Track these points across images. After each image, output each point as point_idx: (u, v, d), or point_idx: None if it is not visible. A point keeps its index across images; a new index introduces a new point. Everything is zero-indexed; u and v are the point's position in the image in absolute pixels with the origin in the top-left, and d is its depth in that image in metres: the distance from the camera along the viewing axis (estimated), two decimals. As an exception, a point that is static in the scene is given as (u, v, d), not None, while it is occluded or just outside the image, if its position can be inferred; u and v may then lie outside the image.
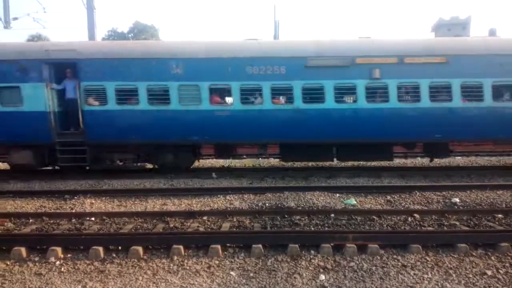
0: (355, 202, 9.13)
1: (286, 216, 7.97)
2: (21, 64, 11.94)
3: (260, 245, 6.30)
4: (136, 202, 9.53)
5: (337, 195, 9.61)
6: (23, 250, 6.32)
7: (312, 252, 6.26)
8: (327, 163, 13.80)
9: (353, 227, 7.38)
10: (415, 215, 8.01)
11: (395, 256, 6.12)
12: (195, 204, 9.30)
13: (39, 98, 12.01)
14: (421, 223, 7.60)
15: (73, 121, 12.48)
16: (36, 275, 5.77)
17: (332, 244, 6.33)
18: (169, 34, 70.68)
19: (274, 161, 15.46)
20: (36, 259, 6.24)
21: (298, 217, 7.90)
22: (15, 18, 20.00)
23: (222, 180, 11.93)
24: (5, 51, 12.15)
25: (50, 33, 43.47)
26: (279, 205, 8.86)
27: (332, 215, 8.02)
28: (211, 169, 13.93)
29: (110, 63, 12.05)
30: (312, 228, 7.29)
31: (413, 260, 6.00)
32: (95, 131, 12.16)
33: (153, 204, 9.35)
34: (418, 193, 9.76)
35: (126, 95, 12.09)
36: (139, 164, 13.45)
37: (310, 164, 14.35)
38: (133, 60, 12.04)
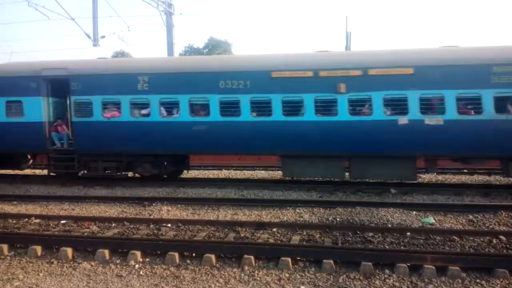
0: (434, 221, 8.64)
1: (358, 232, 7.76)
2: None
3: (331, 261, 6.19)
4: (208, 211, 9.82)
5: (414, 212, 9.17)
6: (106, 252, 6.77)
7: (387, 271, 6.03)
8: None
9: (432, 247, 6.99)
10: (501, 237, 7.39)
11: (478, 281, 5.71)
12: (265, 215, 9.38)
13: None
14: (508, 246, 7.00)
15: None
16: (117, 277, 6.14)
17: (408, 264, 6.05)
18: (242, 48, 72.78)
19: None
20: (118, 261, 6.65)
21: (371, 234, 7.65)
22: (103, 37, 21.63)
23: (292, 193, 11.90)
24: None
25: (132, 50, 46.67)
26: (351, 220, 8.65)
27: (408, 233, 7.66)
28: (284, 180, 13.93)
29: None
30: (387, 247, 7.01)
31: (499, 285, 5.56)
32: None
33: (225, 213, 9.57)
34: (504, 213, 9.03)
35: None
36: None
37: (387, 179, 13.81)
38: None
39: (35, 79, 13.05)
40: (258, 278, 5.97)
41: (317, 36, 74.87)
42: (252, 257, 6.42)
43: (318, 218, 8.93)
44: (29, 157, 14.84)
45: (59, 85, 13.25)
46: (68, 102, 13.19)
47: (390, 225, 8.27)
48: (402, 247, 6.96)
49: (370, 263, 6.09)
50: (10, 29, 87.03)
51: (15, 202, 10.97)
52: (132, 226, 8.44)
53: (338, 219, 8.77)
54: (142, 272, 6.25)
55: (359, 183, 13.13)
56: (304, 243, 7.27)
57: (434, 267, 5.93)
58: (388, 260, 6.19)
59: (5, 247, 7.16)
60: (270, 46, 70.16)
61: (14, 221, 8.97)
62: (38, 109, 13.09)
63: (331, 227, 8.06)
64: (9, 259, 6.89)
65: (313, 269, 6.21)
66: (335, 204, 9.91)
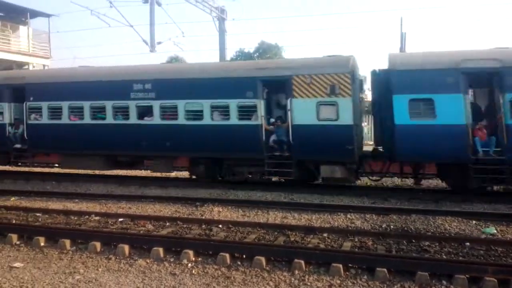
0: (495, 231, 8.16)
1: (413, 241, 7.48)
2: None
3: (385, 269, 6.02)
4: (258, 213, 9.87)
5: (473, 222, 8.72)
6: (160, 251, 7.00)
7: (444, 282, 5.79)
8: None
9: (493, 259, 6.62)
10: None
11: (546, 297, 5.32)
12: (315, 220, 9.27)
13: None
14: None
15: None
16: (171, 275, 6.32)
17: (467, 276, 5.76)
18: (293, 52, 73.01)
19: (397, 181, 14.63)
20: (171, 259, 6.85)
21: (427, 243, 7.36)
22: (159, 43, 22.50)
23: (342, 198, 11.68)
24: None
25: (185, 55, 48.05)
26: (405, 228, 8.37)
27: (468, 243, 7.30)
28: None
29: None
30: (444, 256, 6.72)
31: None
32: None
33: (274, 217, 9.57)
34: None
35: None
36: None
37: (443, 185, 13.22)
38: None
39: (453, 72, 10.85)
40: (309, 283, 5.91)
41: (369, 37, 73.34)
42: (302, 261, 6.37)
43: (371, 225, 8.71)
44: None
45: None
46: (500, 100, 10.69)
47: (447, 234, 7.92)
48: (460, 258, 6.65)
49: (427, 273, 5.85)
50: (73, 36, 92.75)
51: (76, 200, 11.59)
52: (185, 226, 8.65)
53: (392, 227, 8.51)
54: (195, 271, 6.39)
55: (413, 190, 12.69)
56: (356, 250, 7.12)
57: (496, 280, 5.61)
58: (445, 271, 5.94)
59: (67, 242, 7.58)
60: (321, 49, 69.52)
61: (75, 218, 9.49)
62: (458, 109, 10.78)
63: (384, 235, 7.84)
64: (71, 253, 7.30)
65: (365, 277, 6.06)
66: (388, 211, 9.61)
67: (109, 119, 13.56)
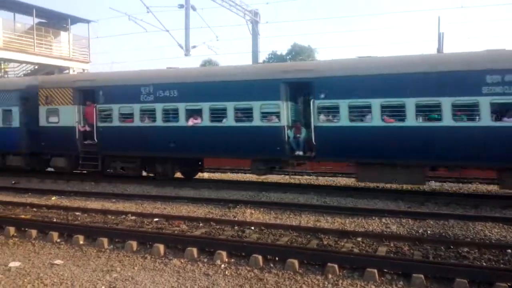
0: (540, 239, 7.80)
1: (451, 247, 7.25)
2: None
3: (421, 276, 5.86)
4: (290, 216, 9.83)
5: (516, 228, 8.36)
6: (194, 251, 7.09)
7: (484, 290, 5.57)
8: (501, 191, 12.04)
9: (537, 267, 6.31)
10: None
11: None
12: (349, 223, 9.15)
13: None
14: None
15: None
16: (205, 275, 6.38)
17: (509, 284, 5.53)
18: (326, 53, 72.25)
19: (435, 185, 14.22)
20: (205, 260, 6.93)
21: (466, 249, 7.12)
22: (194, 47, 22.83)
23: (377, 202, 11.46)
24: None
25: (219, 59, 48.49)
26: (443, 234, 8.12)
27: (509, 250, 7.01)
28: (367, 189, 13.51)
29: None
30: (484, 264, 6.48)
31: None
32: None
33: (307, 220, 9.51)
34: None
35: None
36: None
37: (483, 189, 12.78)
38: None
39: None
40: (343, 288, 5.85)
41: (404, 39, 71.76)
42: (336, 265, 6.29)
43: (407, 230, 8.51)
44: None
45: None
46: None
47: (488, 241, 7.63)
48: (501, 265, 6.40)
49: (465, 280, 5.66)
50: (111, 41, 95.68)
51: (113, 200, 11.93)
52: (218, 227, 8.73)
53: (429, 232, 8.29)
54: (228, 272, 6.43)
55: (452, 194, 12.30)
56: (392, 255, 6.97)
57: (540, 290, 5.37)
58: (485, 278, 5.74)
59: (105, 241, 7.79)
60: (356, 50, 68.59)
61: (113, 217, 9.77)
62: None
63: (421, 240, 7.64)
64: (108, 252, 7.50)
65: (401, 282, 5.92)
66: (425, 216, 9.38)
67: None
